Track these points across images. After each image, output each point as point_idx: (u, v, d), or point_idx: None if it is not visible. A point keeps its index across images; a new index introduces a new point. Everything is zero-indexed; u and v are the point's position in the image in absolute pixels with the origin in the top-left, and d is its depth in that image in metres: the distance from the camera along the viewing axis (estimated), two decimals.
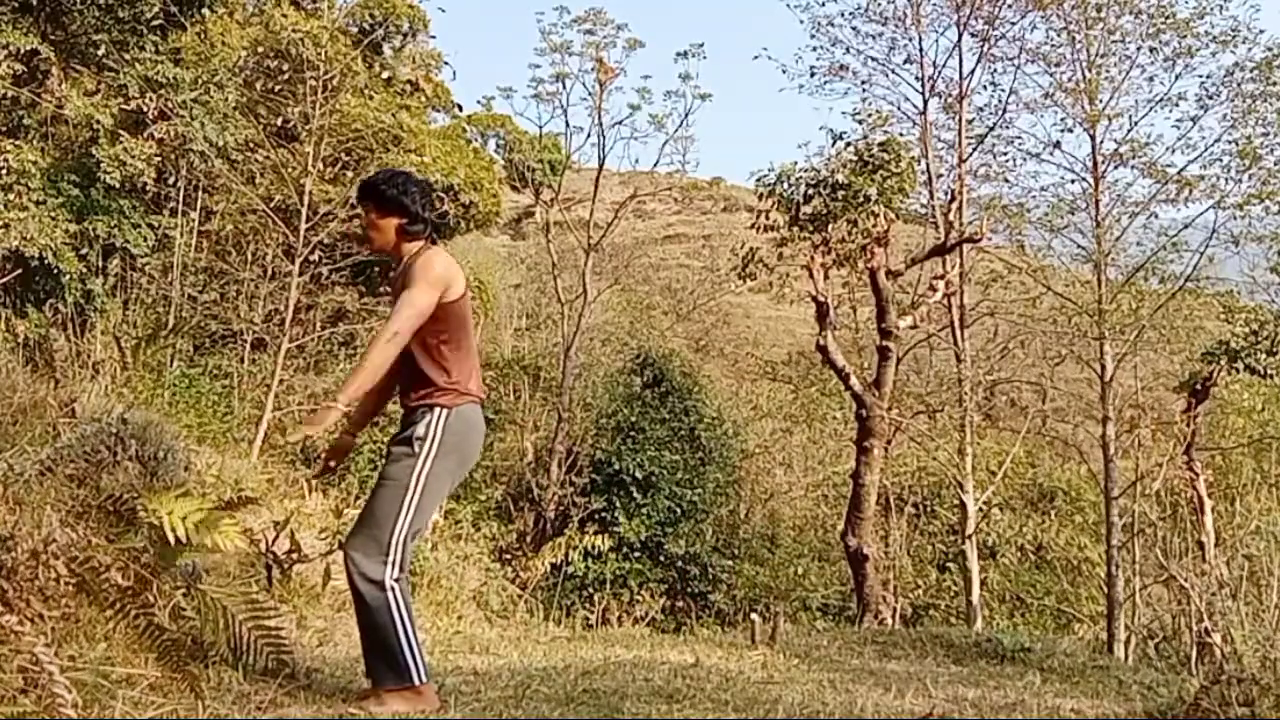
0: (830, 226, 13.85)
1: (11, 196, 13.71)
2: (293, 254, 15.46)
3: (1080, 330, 18.03)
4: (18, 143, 14.36)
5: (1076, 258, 18.67)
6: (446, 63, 25.47)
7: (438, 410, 4.26)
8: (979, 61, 19.08)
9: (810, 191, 14.13)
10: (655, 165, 30.01)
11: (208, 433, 13.13)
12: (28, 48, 14.43)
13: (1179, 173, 17.65)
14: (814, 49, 20.84)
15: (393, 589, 4.12)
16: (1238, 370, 16.00)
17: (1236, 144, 17.05)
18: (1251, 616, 7.03)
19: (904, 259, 14.53)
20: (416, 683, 4.15)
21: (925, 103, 19.14)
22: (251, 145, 17.06)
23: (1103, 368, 17.09)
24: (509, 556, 17.20)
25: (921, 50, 19.22)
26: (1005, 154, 19.56)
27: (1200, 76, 17.60)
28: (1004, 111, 19.15)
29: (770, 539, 20.87)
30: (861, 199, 13.59)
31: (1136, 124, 18.10)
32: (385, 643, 4.13)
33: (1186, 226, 17.86)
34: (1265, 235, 17.04)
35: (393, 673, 4.14)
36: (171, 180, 16.09)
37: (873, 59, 19.50)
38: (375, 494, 4.26)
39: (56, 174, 14.62)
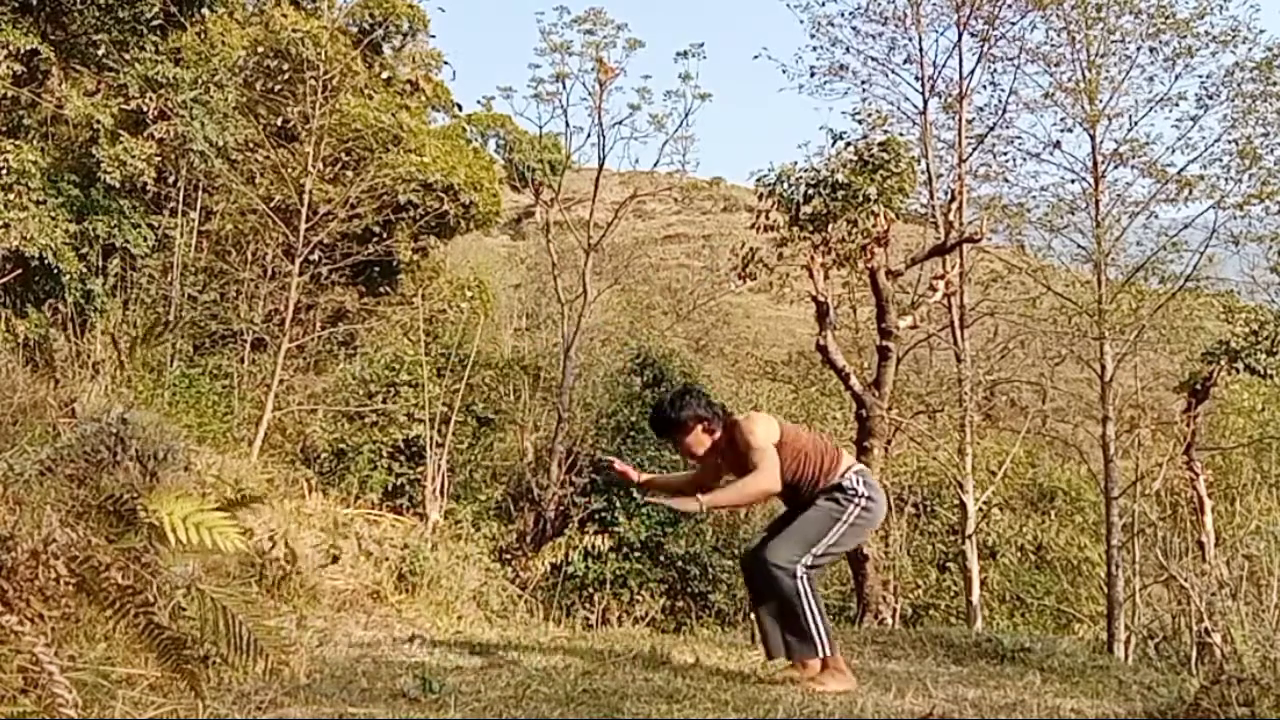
0: (830, 226, 13.83)
1: (11, 196, 13.72)
2: (292, 254, 15.45)
3: (1080, 330, 18.03)
4: (18, 143, 14.36)
5: (1076, 258, 18.68)
6: (446, 62, 25.54)
7: (851, 473, 5.08)
8: (979, 61, 19.11)
9: (810, 191, 14.11)
10: (655, 165, 30.04)
11: (208, 433, 13.15)
12: (28, 48, 14.43)
13: (1179, 172, 17.69)
14: (814, 49, 20.86)
15: (802, 577, 4.85)
16: (1238, 370, 15.99)
17: (1236, 144, 17.07)
18: (1252, 616, 7.03)
19: (904, 259, 14.50)
20: (824, 654, 4.87)
21: (925, 102, 19.17)
22: (251, 145, 17.07)
23: (1103, 368, 17.09)
24: (509, 556, 17.20)
25: (921, 50, 19.26)
26: (1005, 154, 19.60)
27: (1200, 76, 17.64)
28: (1004, 111, 19.19)
29: None
30: (861, 199, 13.57)
31: (1136, 124, 18.15)
32: (797, 618, 4.85)
33: (1186, 226, 17.88)
34: (1265, 235, 17.05)
35: (805, 644, 4.87)
36: (171, 180, 16.09)
37: (873, 59, 19.54)
38: (805, 518, 5.01)
39: (56, 174, 14.62)
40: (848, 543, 5.09)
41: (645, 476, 5.65)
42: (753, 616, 5.32)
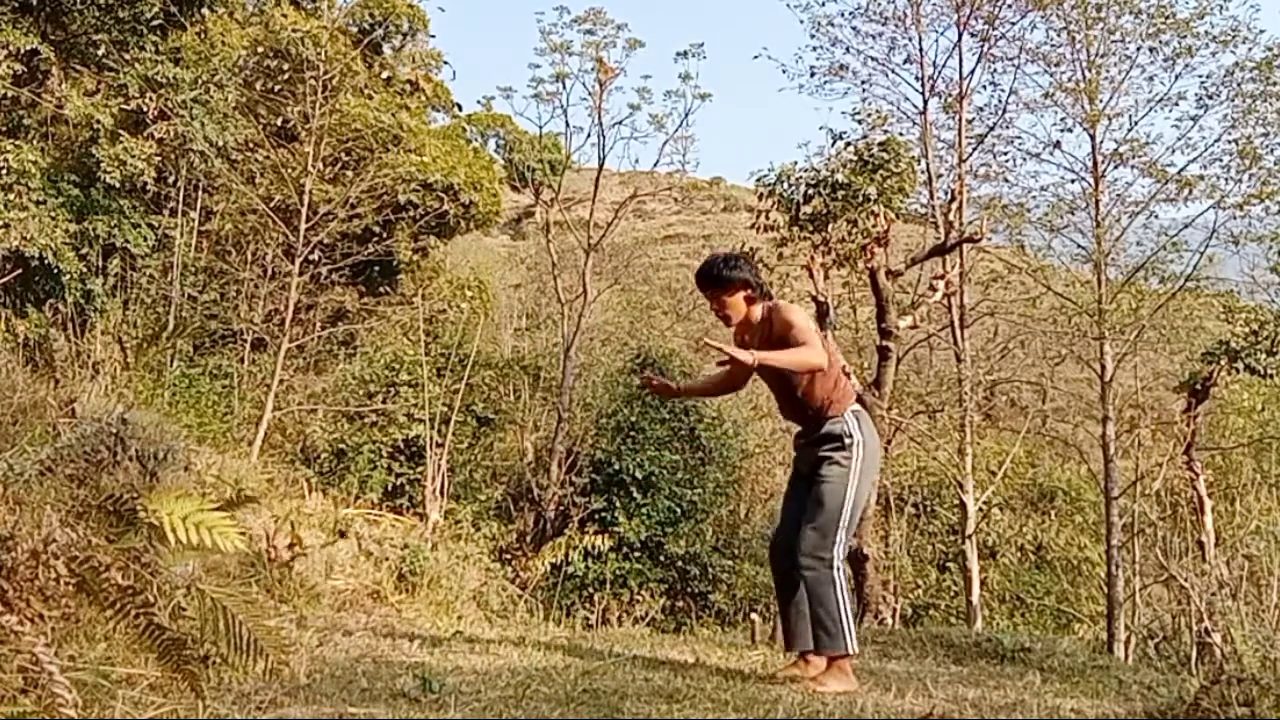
0: (830, 226, 13.84)
1: (11, 196, 13.72)
2: (293, 254, 15.45)
3: (1080, 330, 18.04)
4: (18, 143, 14.37)
5: (1076, 257, 18.68)
6: (446, 62, 25.55)
7: (849, 414, 5.03)
8: (979, 61, 19.10)
9: (810, 191, 14.12)
10: (655, 165, 30.00)
11: (208, 433, 13.14)
12: (28, 48, 14.43)
13: (1179, 172, 17.67)
14: (814, 49, 20.86)
15: (839, 569, 4.85)
16: (1238, 370, 15.99)
17: (1236, 144, 17.06)
18: (1252, 616, 7.03)
19: (904, 259, 14.49)
20: (851, 650, 4.87)
21: (925, 102, 19.16)
22: (251, 145, 17.07)
23: (1103, 368, 17.09)
24: (509, 556, 17.20)
25: (921, 50, 19.25)
26: (1005, 154, 19.59)
27: (1200, 76, 17.61)
28: (1004, 111, 19.18)
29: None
30: (861, 199, 13.58)
31: (1136, 124, 18.12)
32: (831, 613, 4.83)
33: (1186, 226, 17.88)
34: (1265, 235, 17.04)
35: (834, 640, 4.85)
36: (171, 180, 16.08)
37: (873, 59, 19.53)
38: (821, 491, 4.95)
39: (56, 174, 14.62)
40: (865, 493, 5.06)
41: (683, 385, 6.12)
42: (777, 607, 5.32)
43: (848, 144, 14.89)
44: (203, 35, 16.72)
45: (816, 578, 4.85)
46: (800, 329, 4.87)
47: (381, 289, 20.50)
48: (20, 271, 13.17)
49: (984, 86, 19.88)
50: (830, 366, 4.99)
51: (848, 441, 4.97)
